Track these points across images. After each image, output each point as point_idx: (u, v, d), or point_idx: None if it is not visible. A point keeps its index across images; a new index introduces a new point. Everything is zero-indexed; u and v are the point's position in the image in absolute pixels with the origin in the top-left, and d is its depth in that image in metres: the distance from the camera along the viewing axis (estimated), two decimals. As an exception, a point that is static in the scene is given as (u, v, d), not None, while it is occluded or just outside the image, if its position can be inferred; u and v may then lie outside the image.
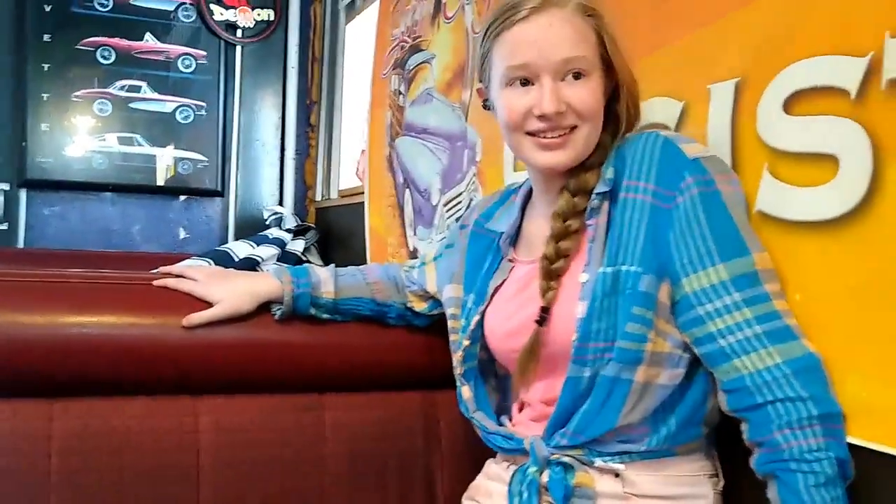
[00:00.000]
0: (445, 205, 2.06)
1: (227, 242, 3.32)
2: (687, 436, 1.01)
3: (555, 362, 1.02)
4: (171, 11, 3.42)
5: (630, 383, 0.97)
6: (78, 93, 3.29)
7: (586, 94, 1.00)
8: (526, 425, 1.11)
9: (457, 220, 1.92)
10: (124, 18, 3.35)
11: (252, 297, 1.25)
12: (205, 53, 3.47)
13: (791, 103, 0.98)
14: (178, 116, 3.43)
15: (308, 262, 3.16)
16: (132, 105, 3.37)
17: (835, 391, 0.90)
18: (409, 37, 2.36)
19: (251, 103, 3.57)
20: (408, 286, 1.34)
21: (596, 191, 1.02)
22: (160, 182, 3.42)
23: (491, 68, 1.05)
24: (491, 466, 1.18)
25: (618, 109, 1.05)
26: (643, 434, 0.99)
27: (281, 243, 3.10)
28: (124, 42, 3.34)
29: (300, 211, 3.56)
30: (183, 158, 3.44)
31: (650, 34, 1.23)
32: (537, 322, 1.02)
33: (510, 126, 1.03)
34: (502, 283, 1.13)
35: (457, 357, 1.17)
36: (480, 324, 1.14)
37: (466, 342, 1.14)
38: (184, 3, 3.43)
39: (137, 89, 3.37)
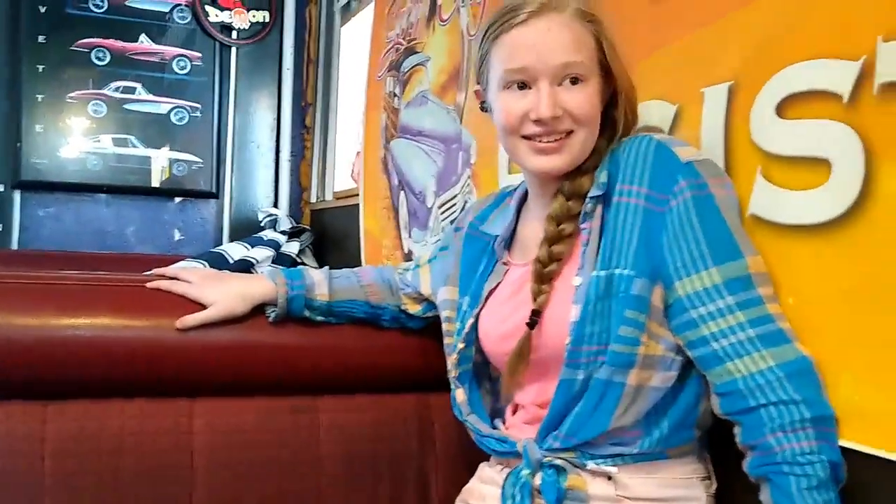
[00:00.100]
0: (440, 207, 2.06)
1: (221, 244, 3.31)
2: (679, 438, 1.01)
3: (547, 365, 1.02)
4: (166, 13, 3.41)
5: (623, 386, 0.97)
6: (72, 94, 3.28)
7: (583, 100, 1.00)
8: (519, 428, 1.11)
9: (451, 222, 1.92)
10: (119, 20, 3.34)
11: (246, 299, 1.25)
12: (200, 55, 3.47)
13: (784, 107, 0.98)
14: (173, 118, 3.43)
15: (303, 264, 3.16)
16: (127, 106, 3.36)
17: (827, 394, 0.91)
18: (404, 39, 2.37)
19: (246, 105, 3.57)
20: (402, 288, 1.34)
21: (590, 195, 1.02)
22: (155, 183, 3.41)
23: (489, 71, 1.06)
24: (484, 469, 1.18)
25: (615, 115, 1.06)
26: (636, 437, 1.00)
27: (276, 245, 3.10)
28: (119, 43, 3.34)
29: (295, 213, 3.56)
30: (178, 160, 3.44)
31: (645, 37, 1.24)
32: (528, 325, 1.02)
33: (507, 129, 1.04)
34: (497, 285, 1.14)
35: (451, 360, 1.17)
36: (475, 327, 1.14)
37: (461, 345, 1.14)
38: (179, 5, 3.42)
39: (132, 90, 3.36)
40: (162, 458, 1.18)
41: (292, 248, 3.16)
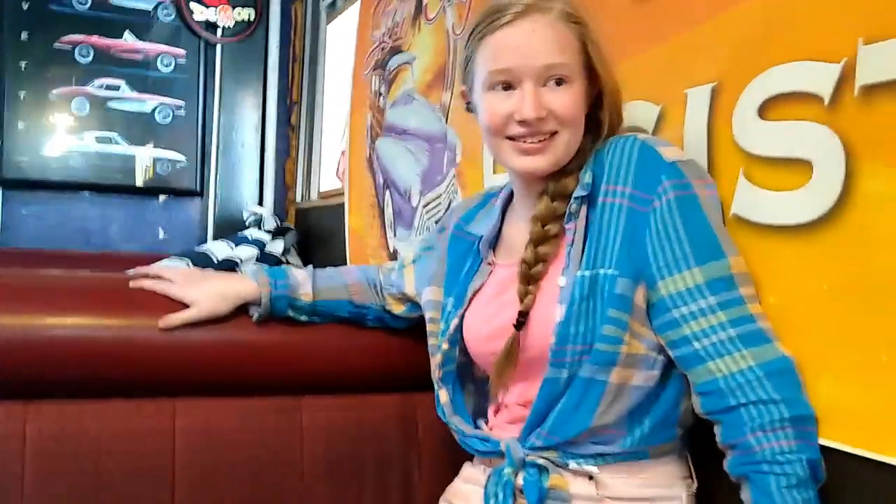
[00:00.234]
0: (425, 206, 2.06)
1: (206, 243, 3.30)
2: (661, 437, 1.01)
3: (532, 366, 1.03)
4: (150, 10, 3.39)
5: (604, 384, 0.97)
6: (56, 91, 3.25)
7: (567, 101, 1.00)
8: (502, 427, 1.11)
9: (436, 221, 1.93)
10: (103, 17, 3.32)
11: (229, 298, 1.24)
12: (184, 52, 3.45)
13: (766, 108, 0.99)
14: (157, 116, 3.41)
15: (287, 263, 3.15)
16: (110, 104, 3.34)
17: (807, 394, 0.91)
18: (389, 38, 2.36)
19: (231, 103, 3.55)
20: (386, 288, 1.34)
21: (574, 195, 1.02)
22: (139, 182, 3.39)
23: (474, 72, 1.06)
24: (467, 469, 1.18)
25: (600, 116, 1.06)
26: (617, 435, 1.00)
27: (260, 244, 3.08)
28: (103, 40, 3.32)
29: (280, 212, 3.55)
30: (162, 158, 3.42)
31: (629, 39, 1.24)
32: (515, 326, 1.02)
33: (491, 130, 1.04)
34: (481, 286, 1.14)
35: (435, 361, 1.17)
36: (459, 327, 1.14)
37: (445, 346, 1.14)
38: (163, 2, 3.40)
39: (116, 88, 3.34)
40: (144, 459, 1.18)
41: (277, 247, 3.14)
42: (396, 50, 2.30)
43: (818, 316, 0.92)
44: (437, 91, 2.02)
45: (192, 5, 3.41)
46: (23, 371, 1.14)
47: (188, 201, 3.51)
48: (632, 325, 0.97)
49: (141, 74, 3.38)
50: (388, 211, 2.31)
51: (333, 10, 3.32)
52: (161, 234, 3.45)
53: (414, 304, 1.31)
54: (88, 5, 3.29)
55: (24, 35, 3.20)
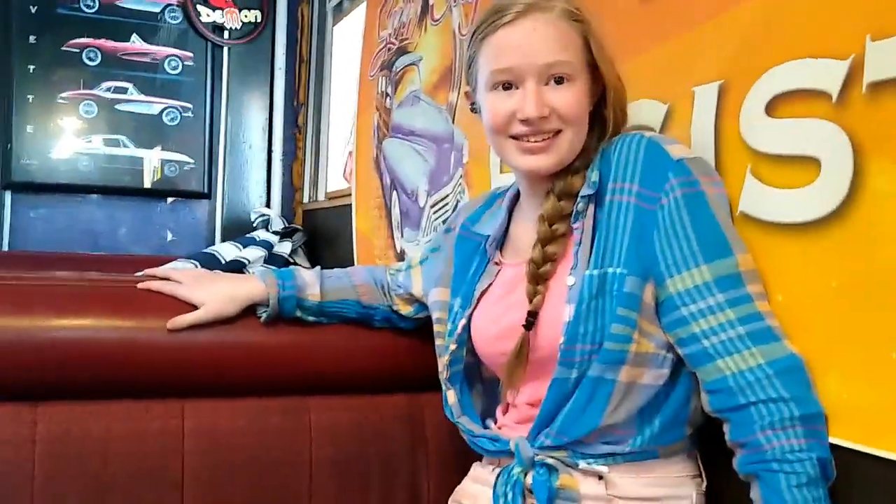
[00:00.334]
0: (432, 206, 2.06)
1: (213, 245, 3.31)
2: (671, 436, 1.01)
3: (542, 365, 1.02)
4: (157, 13, 3.40)
5: (614, 383, 0.97)
6: (63, 94, 3.27)
7: (570, 99, 1.00)
8: (511, 427, 1.11)
9: (443, 221, 1.93)
10: (110, 20, 3.33)
11: (237, 299, 1.24)
12: (191, 55, 3.46)
13: (773, 106, 0.98)
14: (165, 118, 3.42)
15: (295, 264, 3.16)
16: (118, 107, 3.35)
17: (816, 392, 0.91)
18: (396, 39, 2.36)
19: (238, 105, 3.56)
20: (393, 289, 1.34)
21: (581, 194, 1.02)
22: (147, 184, 3.40)
23: (477, 72, 1.06)
24: (476, 469, 1.18)
25: (605, 113, 1.06)
26: (627, 435, 1.00)
27: (268, 245, 3.09)
28: (110, 43, 3.33)
29: (287, 213, 3.55)
30: (170, 160, 3.43)
31: (636, 37, 1.24)
32: (524, 327, 1.02)
33: (494, 129, 1.04)
34: (489, 286, 1.13)
35: (442, 361, 1.17)
36: (467, 328, 1.14)
37: (453, 346, 1.14)
38: (170, 5, 3.41)
39: (124, 91, 3.35)
40: (152, 459, 1.18)
41: (284, 248, 3.15)
42: (403, 51, 2.30)
43: (826, 313, 0.91)
44: (444, 91, 2.02)
45: (199, 8, 3.42)
46: (32, 373, 1.14)
47: (196, 203, 3.52)
48: (641, 324, 0.97)
49: (148, 77, 3.39)
50: (396, 211, 2.31)
51: (340, 11, 3.33)
52: (169, 236, 3.46)
53: (421, 305, 1.31)
54: (96, 8, 3.30)
55: (32, 38, 3.21)
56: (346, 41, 3.16)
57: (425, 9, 2.15)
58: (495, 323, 1.10)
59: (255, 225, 3.35)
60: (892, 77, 0.84)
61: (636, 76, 1.19)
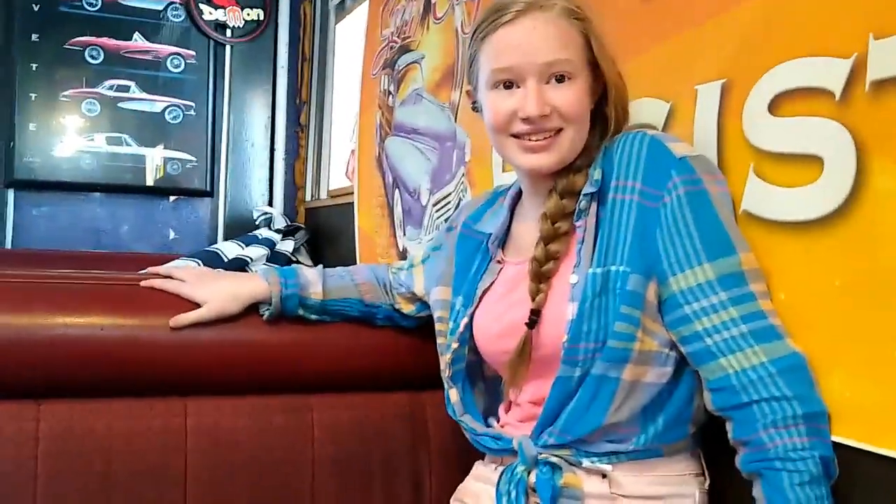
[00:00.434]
0: (435, 205, 2.06)
1: (216, 243, 3.31)
2: (674, 435, 1.01)
3: (545, 364, 1.02)
4: (160, 11, 3.40)
5: (617, 381, 0.97)
6: (66, 92, 3.27)
7: (571, 97, 1.00)
8: (514, 426, 1.11)
9: (446, 220, 1.93)
10: (113, 18, 3.33)
11: (239, 298, 1.24)
12: (194, 53, 3.46)
13: (776, 104, 0.98)
14: (168, 116, 3.42)
15: (297, 262, 3.16)
16: (121, 105, 3.35)
17: (819, 390, 0.91)
18: (398, 37, 2.36)
19: (241, 103, 3.56)
20: (396, 288, 1.34)
21: (583, 192, 1.02)
22: (149, 182, 3.40)
23: (478, 71, 1.06)
24: (479, 468, 1.18)
25: (606, 112, 1.06)
26: (631, 433, 1.00)
27: (270, 244, 3.09)
28: (113, 41, 3.33)
29: (290, 211, 3.55)
30: (172, 158, 3.43)
31: (638, 35, 1.24)
32: (527, 325, 1.02)
33: (495, 128, 1.04)
34: (491, 284, 1.13)
35: (444, 360, 1.17)
36: (469, 326, 1.14)
37: (455, 344, 1.14)
38: (173, 3, 3.41)
39: (126, 89, 3.35)
40: (154, 458, 1.18)
41: (287, 246, 3.15)
42: (405, 49, 2.30)
43: (829, 312, 0.91)
44: (446, 90, 2.02)
45: (202, 6, 3.42)
46: (35, 370, 1.15)
47: (198, 201, 3.52)
48: (644, 322, 0.97)
49: (151, 75, 3.39)
50: (398, 210, 2.31)
51: (342, 9, 3.33)
52: (171, 235, 3.47)
53: (423, 304, 1.31)
54: (98, 7, 3.30)
55: (34, 37, 3.21)
56: (349, 39, 3.16)
57: (427, 7, 2.15)
58: (497, 321, 1.10)
59: (257, 223, 3.35)
60: (894, 75, 0.83)
61: (639, 74, 1.19)
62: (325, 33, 3.49)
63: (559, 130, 1.01)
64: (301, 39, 3.59)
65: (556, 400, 1.00)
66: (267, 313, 1.26)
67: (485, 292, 1.13)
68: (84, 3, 3.28)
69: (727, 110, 1.06)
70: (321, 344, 1.31)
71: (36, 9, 3.21)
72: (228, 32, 3.49)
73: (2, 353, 1.13)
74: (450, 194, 1.98)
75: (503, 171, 1.68)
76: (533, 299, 1.02)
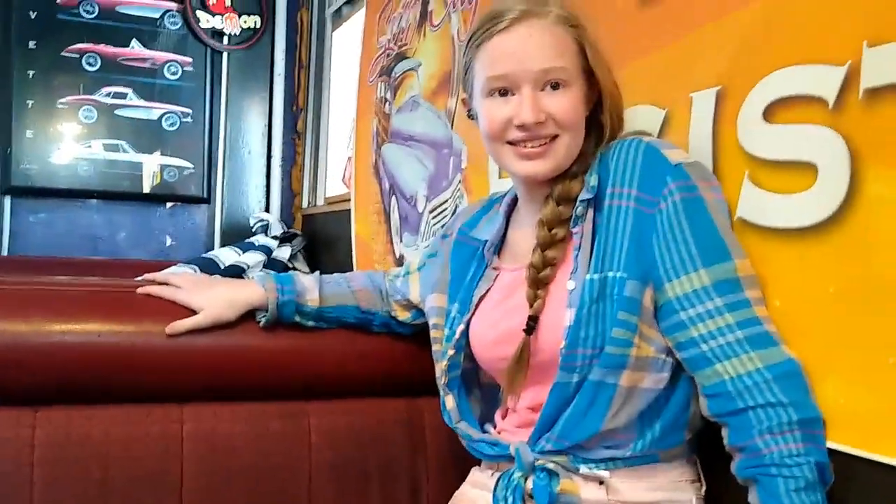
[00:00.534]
0: (431, 212, 2.06)
1: (213, 249, 3.31)
2: (671, 441, 1.01)
3: (543, 370, 1.02)
4: (157, 18, 3.41)
5: (614, 387, 0.97)
6: (63, 99, 3.27)
7: (566, 104, 1.00)
8: (511, 431, 1.11)
9: (442, 227, 1.93)
10: (110, 25, 3.34)
11: (236, 304, 1.24)
12: (191, 60, 3.46)
13: (771, 111, 0.99)
14: (164, 123, 3.42)
15: (294, 269, 3.16)
16: (118, 112, 3.35)
17: (814, 396, 0.91)
18: (395, 44, 2.37)
19: (237, 110, 3.57)
20: (392, 295, 1.34)
21: (580, 198, 1.03)
22: (146, 189, 3.41)
23: (473, 78, 1.06)
24: (475, 474, 1.18)
25: (602, 118, 1.06)
26: (628, 439, 1.00)
27: (267, 250, 3.09)
28: (110, 49, 3.33)
29: (287, 218, 3.55)
30: (169, 165, 3.43)
31: (634, 42, 1.24)
32: (525, 331, 1.02)
33: (491, 136, 1.04)
34: (487, 291, 1.14)
35: (440, 367, 1.17)
36: (465, 333, 1.14)
37: (451, 351, 1.14)
38: (170, 10, 3.42)
39: (123, 96, 3.36)
40: (151, 464, 1.18)
41: (284, 253, 3.15)
42: (402, 56, 2.31)
43: (824, 319, 0.92)
44: (443, 97, 2.02)
45: (199, 13, 3.43)
46: (31, 377, 1.14)
47: (195, 208, 3.52)
48: (641, 328, 0.97)
49: (148, 82, 3.39)
50: (395, 216, 2.31)
51: (339, 17, 3.34)
52: (168, 241, 3.47)
53: (419, 312, 1.31)
54: (96, 14, 3.31)
55: (31, 44, 3.21)
56: (346, 47, 3.17)
57: (424, 14, 2.15)
58: (494, 328, 1.10)
59: (254, 230, 3.35)
60: (888, 83, 0.84)
61: (634, 81, 1.19)
62: (322, 41, 3.50)
63: (554, 137, 1.01)
64: (298, 47, 3.59)
65: (553, 406, 1.00)
66: (263, 320, 1.26)
67: (481, 299, 1.14)
68: (81, 10, 3.29)
69: (722, 117, 1.07)
70: (318, 350, 1.31)
71: (33, 16, 3.21)
72: (225, 40, 3.49)
73: (-2, 359, 1.13)
74: (446, 201, 1.98)
75: (499, 177, 1.69)
76: (531, 305, 1.03)
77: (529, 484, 1.02)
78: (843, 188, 0.89)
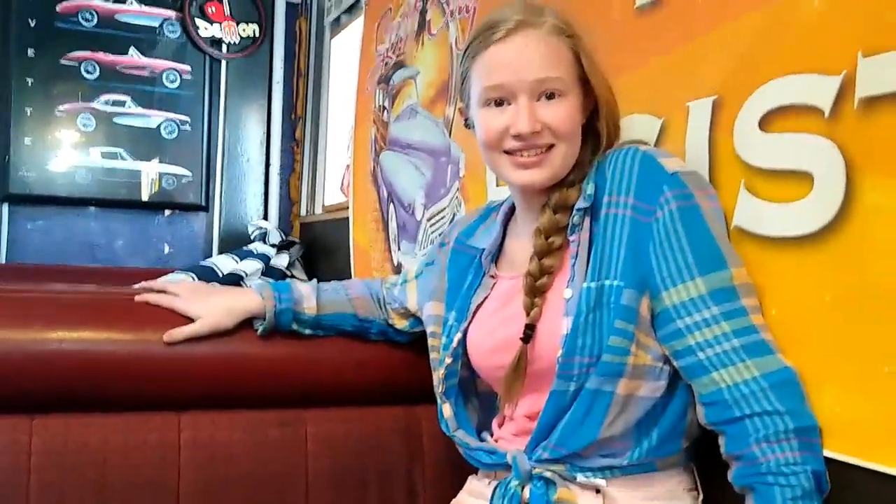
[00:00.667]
0: (429, 220, 2.07)
1: (211, 257, 3.30)
2: (668, 449, 1.01)
3: (540, 378, 1.03)
4: (155, 27, 3.41)
5: (611, 395, 0.97)
6: (62, 107, 3.27)
7: (562, 114, 1.01)
8: (508, 440, 1.11)
9: (440, 235, 1.93)
10: (109, 33, 3.34)
11: (233, 312, 1.25)
12: (189, 68, 3.46)
13: (767, 121, 0.99)
14: (163, 131, 3.42)
15: (292, 276, 3.16)
16: (116, 120, 3.35)
17: (811, 405, 0.91)
18: (393, 53, 2.38)
19: (236, 118, 3.57)
20: (389, 303, 1.34)
21: (577, 207, 1.03)
22: (144, 197, 3.40)
23: (470, 88, 1.07)
24: (472, 482, 1.18)
25: (598, 127, 1.07)
26: (625, 448, 1.00)
27: (265, 258, 3.09)
28: (109, 57, 3.33)
29: (285, 226, 3.55)
30: (167, 173, 3.43)
31: (631, 52, 1.25)
32: (522, 339, 1.03)
33: (487, 145, 1.05)
34: (484, 299, 1.14)
35: (438, 375, 1.17)
36: (462, 341, 1.14)
37: (448, 360, 1.14)
38: (169, 19, 3.42)
39: (122, 104, 3.35)
40: (148, 472, 1.18)
41: (282, 260, 3.15)
42: (400, 65, 2.31)
43: (820, 327, 0.92)
44: (441, 105, 2.03)
45: (198, 22, 3.43)
46: (29, 385, 1.14)
47: (193, 216, 3.52)
48: (638, 336, 0.97)
49: (147, 90, 3.39)
50: (393, 224, 2.31)
51: (337, 25, 3.34)
52: (166, 249, 3.46)
53: (417, 320, 1.31)
54: (95, 22, 3.31)
55: (30, 52, 3.21)
56: (344, 55, 3.18)
57: (422, 23, 2.16)
58: (491, 336, 1.10)
59: (252, 238, 3.35)
60: (883, 93, 0.84)
61: (631, 90, 1.20)
62: (321, 49, 3.50)
63: (551, 147, 1.02)
64: (296, 55, 3.60)
65: (550, 414, 1.00)
66: (261, 328, 1.26)
67: (478, 307, 1.14)
68: (80, 18, 3.29)
69: (718, 126, 1.07)
70: (316, 358, 1.31)
71: (32, 24, 3.22)
72: (224, 48, 3.50)
73: (-5, 366, 1.12)
74: (444, 209, 1.98)
75: (497, 185, 1.69)
76: (528, 314, 1.03)
77: (526, 493, 1.02)
78: (838, 197, 0.89)
